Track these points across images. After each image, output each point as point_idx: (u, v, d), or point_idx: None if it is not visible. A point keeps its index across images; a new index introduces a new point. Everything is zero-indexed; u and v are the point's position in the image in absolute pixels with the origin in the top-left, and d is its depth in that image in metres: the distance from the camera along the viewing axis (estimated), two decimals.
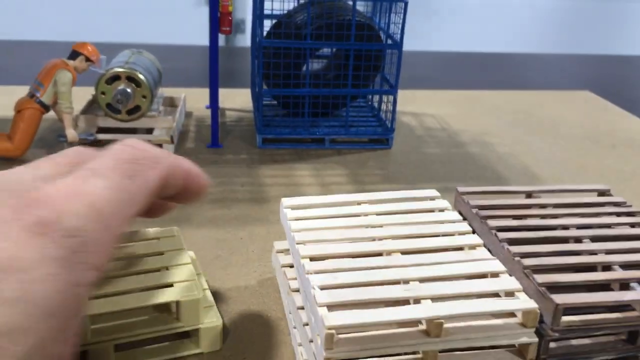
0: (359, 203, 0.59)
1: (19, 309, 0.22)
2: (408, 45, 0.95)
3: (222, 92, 1.17)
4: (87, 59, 0.87)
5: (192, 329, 0.50)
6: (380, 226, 0.55)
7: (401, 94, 1.11)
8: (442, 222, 0.56)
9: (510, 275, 0.48)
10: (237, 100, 1.17)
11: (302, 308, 0.51)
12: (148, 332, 0.48)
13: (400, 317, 0.43)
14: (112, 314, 0.48)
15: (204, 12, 0.99)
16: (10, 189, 0.26)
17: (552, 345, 0.47)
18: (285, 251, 0.60)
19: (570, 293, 0.47)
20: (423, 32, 1.72)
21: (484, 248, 0.52)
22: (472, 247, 0.52)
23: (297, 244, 0.51)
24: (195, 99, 1.13)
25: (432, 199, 0.60)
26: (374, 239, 0.53)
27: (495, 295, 0.47)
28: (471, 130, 1.08)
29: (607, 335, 0.48)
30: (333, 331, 0.42)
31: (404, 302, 0.45)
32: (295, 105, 0.95)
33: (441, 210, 0.58)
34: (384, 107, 1.00)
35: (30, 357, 0.22)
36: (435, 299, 0.45)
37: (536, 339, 0.45)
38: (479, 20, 2.39)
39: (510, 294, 0.46)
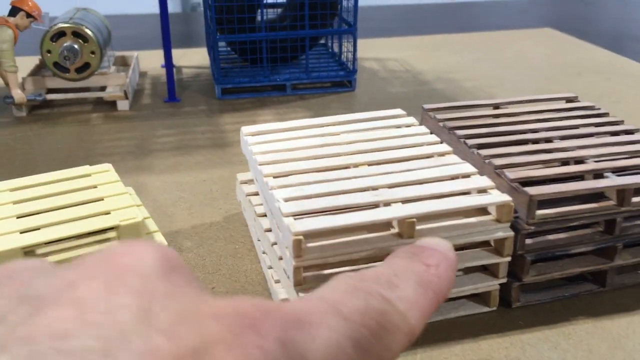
0: (322, 125, 0.56)
1: None
2: (363, 0, 0.92)
3: (178, 52, 1.13)
4: (29, 15, 0.82)
5: None
6: (346, 143, 0.52)
7: (362, 42, 1.09)
8: (409, 135, 0.54)
9: (482, 175, 0.46)
10: (194, 58, 1.13)
11: (270, 230, 0.49)
12: None
13: (370, 219, 0.41)
14: (48, 249, 0.46)
15: None
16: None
17: (528, 241, 0.45)
18: (249, 182, 0.57)
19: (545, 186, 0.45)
20: None
21: (453, 154, 0.50)
22: (442, 154, 0.50)
23: (260, 165, 0.49)
24: (150, 61, 1.08)
25: (398, 117, 0.58)
26: (339, 155, 0.50)
27: (467, 194, 0.45)
28: (436, 69, 1.06)
29: (584, 228, 0.47)
30: (300, 237, 0.39)
31: (374, 207, 0.43)
32: (252, 51, 0.92)
33: (408, 126, 0.56)
34: (344, 49, 0.98)
35: None
36: (406, 201, 0.43)
37: (512, 233, 0.43)
38: None
39: (482, 192, 0.45)
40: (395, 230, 0.42)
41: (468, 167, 0.47)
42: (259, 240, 0.52)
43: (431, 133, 0.55)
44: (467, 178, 0.46)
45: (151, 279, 0.16)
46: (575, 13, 1.61)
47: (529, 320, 0.45)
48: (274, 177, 0.47)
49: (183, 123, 0.83)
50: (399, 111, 0.59)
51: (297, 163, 0.49)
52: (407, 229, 0.41)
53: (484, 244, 0.45)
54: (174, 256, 0.18)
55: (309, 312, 0.17)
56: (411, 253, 0.25)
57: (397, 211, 0.42)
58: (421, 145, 0.52)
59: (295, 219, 0.41)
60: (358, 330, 0.18)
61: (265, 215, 0.51)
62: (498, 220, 0.43)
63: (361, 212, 0.42)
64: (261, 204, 0.52)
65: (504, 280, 0.45)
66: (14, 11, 0.82)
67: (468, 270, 0.46)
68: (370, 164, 0.49)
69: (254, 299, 0.16)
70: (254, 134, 0.54)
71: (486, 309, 0.46)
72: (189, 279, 0.17)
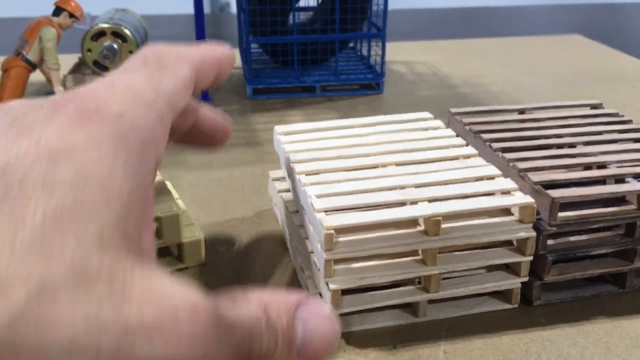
0: (352, 127, 0.58)
1: (79, 191, 0.21)
2: (393, 4, 0.95)
3: None
4: (71, 15, 0.86)
5: (174, 244, 0.50)
6: (375, 144, 0.54)
7: (390, 45, 1.11)
8: (436, 137, 0.56)
9: (506, 177, 0.48)
10: None
11: (301, 226, 0.51)
12: None
13: (398, 216, 0.43)
14: None
15: None
16: (41, 102, 0.24)
17: (550, 241, 0.47)
18: (281, 179, 0.60)
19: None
20: None
21: (479, 157, 0.52)
22: (467, 156, 0.52)
23: (292, 162, 0.51)
24: None
25: (425, 120, 0.60)
26: (368, 155, 0.52)
27: (491, 195, 0.47)
28: (462, 73, 1.08)
29: (605, 231, 0.48)
30: (332, 231, 0.41)
31: (401, 205, 0.45)
32: (284, 53, 0.95)
33: (435, 129, 0.58)
34: (373, 52, 1.00)
35: (101, 237, 0.21)
36: (432, 200, 0.45)
37: (534, 233, 0.45)
38: None
39: (506, 193, 0.46)
40: (421, 227, 0.45)
41: (492, 170, 0.49)
42: (289, 236, 0.55)
43: (457, 136, 0.57)
44: (492, 180, 0.48)
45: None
46: (606, 20, 1.61)
47: (550, 318, 0.47)
48: (306, 175, 0.49)
49: None
50: (426, 114, 0.61)
51: (328, 162, 0.51)
52: (433, 227, 0.43)
53: (507, 243, 0.47)
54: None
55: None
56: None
57: (424, 210, 0.44)
58: (447, 147, 0.54)
59: (326, 214, 0.43)
60: (143, 72, 0.27)
61: (297, 212, 0.53)
62: (521, 221, 0.45)
63: (389, 209, 0.44)
64: (292, 200, 0.55)
65: (526, 279, 0.47)
66: (57, 11, 0.86)
67: (491, 269, 0.48)
68: (397, 164, 0.51)
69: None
70: (286, 133, 0.57)
71: (508, 306, 0.47)
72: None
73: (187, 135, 0.40)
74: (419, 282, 0.46)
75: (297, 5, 0.95)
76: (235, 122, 0.86)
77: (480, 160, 0.51)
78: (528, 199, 0.45)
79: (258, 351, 0.26)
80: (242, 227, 0.59)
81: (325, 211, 0.44)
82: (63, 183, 0.21)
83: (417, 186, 0.47)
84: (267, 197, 0.65)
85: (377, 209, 0.44)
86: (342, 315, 0.45)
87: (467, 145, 0.54)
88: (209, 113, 0.41)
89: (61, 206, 0.20)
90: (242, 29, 0.98)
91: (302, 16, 1.04)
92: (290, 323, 0.28)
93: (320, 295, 0.47)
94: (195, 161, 0.73)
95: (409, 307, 0.47)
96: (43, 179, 0.20)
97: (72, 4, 0.86)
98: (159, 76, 0.28)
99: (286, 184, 0.58)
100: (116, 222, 0.21)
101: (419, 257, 0.45)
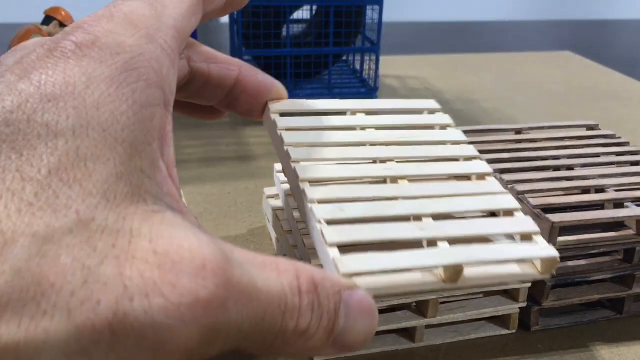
0: (353, 113, 0.54)
1: (82, 139, 0.20)
2: (385, 16, 0.94)
3: None
4: (61, 24, 0.84)
5: None
6: (381, 144, 0.50)
7: (383, 59, 1.11)
8: (446, 142, 0.52)
9: (526, 215, 0.45)
10: None
11: (295, 247, 0.50)
12: None
13: (422, 264, 0.40)
14: None
15: None
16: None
17: None
18: (276, 196, 0.58)
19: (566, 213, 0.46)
20: (400, 2, 1.71)
21: (493, 178, 0.49)
22: (481, 176, 0.49)
23: (293, 162, 0.47)
24: None
25: (432, 112, 0.56)
26: (375, 161, 0.49)
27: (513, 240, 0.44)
28: (455, 89, 1.08)
29: (604, 256, 0.48)
30: (350, 277, 0.39)
31: (418, 242, 0.43)
32: (277, 66, 0.94)
33: (443, 128, 0.54)
34: (366, 67, 0.99)
35: (107, 189, 0.20)
36: (451, 241, 0.42)
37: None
38: None
39: (527, 237, 0.44)
40: (440, 271, 0.42)
41: (510, 201, 0.45)
42: (284, 255, 0.54)
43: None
44: (511, 217, 0.45)
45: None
46: (595, 36, 1.62)
47: (548, 344, 0.46)
48: (310, 184, 0.45)
49: (208, 134, 0.85)
50: (432, 103, 0.54)
51: (332, 166, 0.46)
52: (453, 275, 0.41)
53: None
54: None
55: None
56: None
57: (447, 257, 0.40)
58: (458, 159, 0.50)
59: (340, 252, 0.39)
60: None
61: (291, 232, 0.52)
62: (541, 273, 0.43)
63: (410, 252, 0.40)
64: (287, 220, 0.53)
65: (524, 304, 0.46)
66: (47, 20, 0.84)
67: (488, 293, 0.47)
68: (410, 179, 0.47)
69: None
70: (282, 114, 0.47)
71: (505, 332, 0.47)
72: None
73: (230, 96, 0.39)
74: (415, 306, 0.46)
75: (291, 18, 0.95)
76: (227, 135, 0.85)
77: (495, 184, 0.47)
78: (552, 252, 0.42)
79: (293, 328, 0.24)
80: (236, 244, 0.58)
81: (338, 246, 0.40)
82: (65, 130, 0.20)
83: (435, 217, 0.44)
84: (261, 214, 0.64)
85: (394, 247, 0.41)
86: None
87: (479, 158, 0.51)
88: (254, 72, 0.40)
89: (65, 156, 0.20)
90: (234, 41, 0.97)
91: (296, 29, 1.03)
92: (337, 309, 0.27)
93: None
94: (187, 176, 0.72)
95: (406, 332, 0.46)
96: (46, 125, 0.20)
97: (63, 13, 0.85)
98: (161, 1, 0.26)
99: (281, 203, 0.56)
100: (122, 170, 0.21)
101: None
